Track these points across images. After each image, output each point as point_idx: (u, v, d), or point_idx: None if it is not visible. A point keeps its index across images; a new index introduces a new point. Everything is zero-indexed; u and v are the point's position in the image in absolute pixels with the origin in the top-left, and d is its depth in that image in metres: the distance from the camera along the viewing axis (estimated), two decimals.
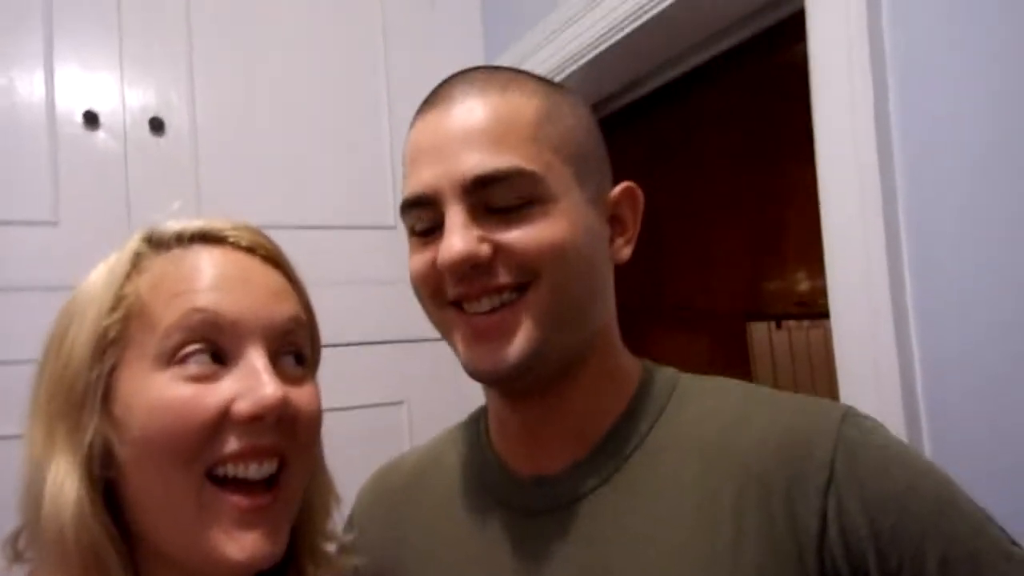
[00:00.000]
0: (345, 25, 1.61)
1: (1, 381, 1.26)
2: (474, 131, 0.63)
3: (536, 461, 0.69)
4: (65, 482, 0.54)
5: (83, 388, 0.55)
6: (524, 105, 0.64)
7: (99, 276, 0.59)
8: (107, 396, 0.56)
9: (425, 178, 0.64)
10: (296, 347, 0.61)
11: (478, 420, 0.78)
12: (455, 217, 0.62)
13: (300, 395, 0.59)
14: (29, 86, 1.36)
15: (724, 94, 3.22)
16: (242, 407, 0.55)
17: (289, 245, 0.66)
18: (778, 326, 3.43)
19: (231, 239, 0.61)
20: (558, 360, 0.65)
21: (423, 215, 0.65)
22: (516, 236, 0.62)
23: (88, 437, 0.55)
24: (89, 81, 1.40)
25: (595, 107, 1.60)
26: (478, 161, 0.61)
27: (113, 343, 0.56)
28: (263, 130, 1.52)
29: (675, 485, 0.63)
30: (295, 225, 1.43)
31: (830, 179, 1.02)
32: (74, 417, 0.55)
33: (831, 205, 1.01)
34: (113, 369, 0.56)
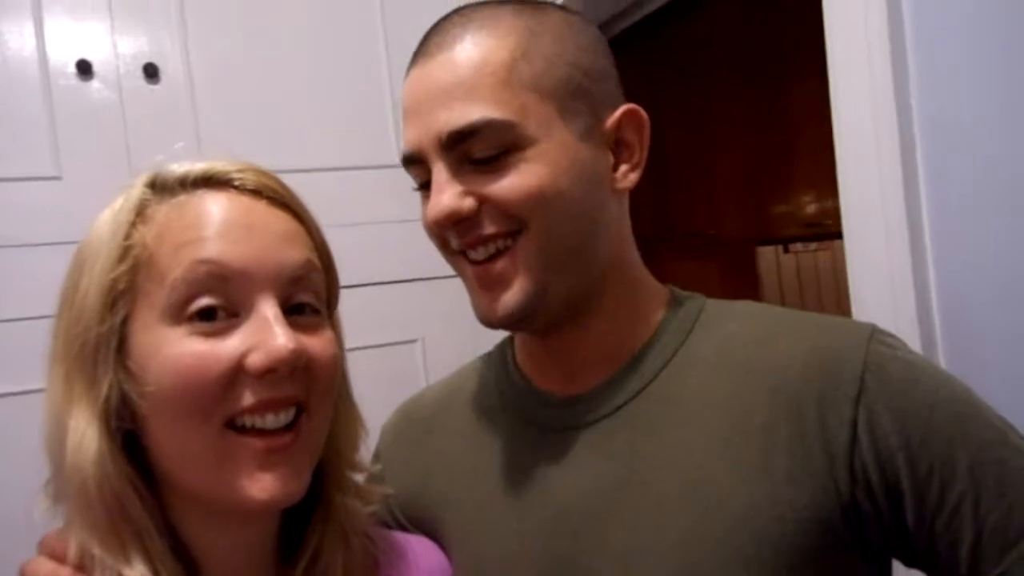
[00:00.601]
0: None
1: (13, 338, 1.31)
2: (445, 86, 0.64)
3: (566, 382, 0.71)
4: (85, 434, 0.54)
5: (95, 341, 0.55)
6: (496, 49, 0.64)
7: (105, 224, 0.58)
8: (121, 347, 0.56)
9: (410, 137, 0.66)
10: (309, 292, 0.60)
11: (504, 347, 0.80)
12: (438, 175, 0.64)
13: (315, 342, 0.59)
14: (19, 39, 1.33)
15: (731, 11, 3.14)
16: (254, 360, 0.55)
17: (292, 188, 0.64)
18: (785, 250, 3.42)
19: (236, 182, 0.60)
20: (566, 300, 0.66)
21: (417, 172, 0.68)
22: (497, 187, 0.63)
23: (104, 390, 0.55)
24: (79, 30, 1.37)
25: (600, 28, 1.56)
26: (448, 117, 0.63)
27: (122, 294, 0.56)
28: (259, 72, 1.49)
29: (705, 400, 0.65)
30: (297, 168, 1.38)
31: (843, 95, 0.99)
32: (89, 370, 0.56)
33: (844, 123, 0.99)
34: (125, 320, 0.56)
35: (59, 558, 0.56)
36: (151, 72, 1.40)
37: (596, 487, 0.66)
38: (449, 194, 0.63)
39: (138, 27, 1.40)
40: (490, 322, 0.67)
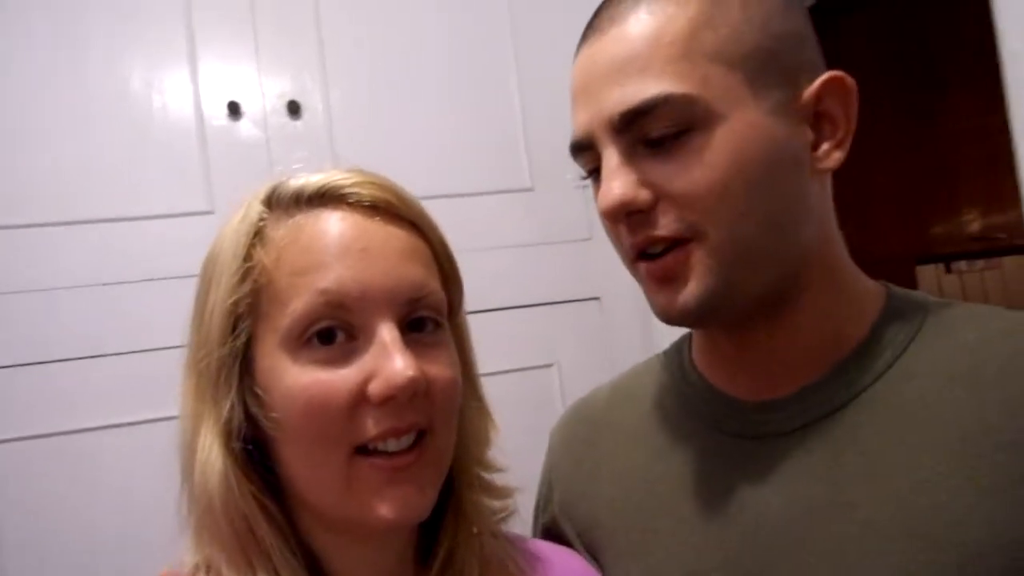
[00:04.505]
0: None
1: (169, 367, 1.36)
2: (618, 62, 0.58)
3: (759, 385, 0.64)
4: (211, 452, 0.55)
5: (219, 363, 0.56)
6: (674, 16, 0.57)
7: (227, 241, 0.58)
8: (247, 369, 0.56)
9: (580, 121, 0.60)
10: (429, 310, 0.58)
11: (680, 349, 0.73)
12: (609, 160, 0.58)
13: (434, 364, 0.57)
14: (177, 84, 1.42)
15: (876, 19, 2.98)
16: (375, 388, 0.54)
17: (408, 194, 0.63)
18: (947, 269, 3.16)
19: (352, 198, 0.58)
20: (758, 295, 0.60)
21: (587, 159, 0.62)
22: (676, 178, 0.56)
23: (225, 412, 0.55)
24: (230, 73, 1.45)
25: None
26: (621, 96, 0.57)
27: (243, 316, 0.56)
28: (394, 104, 1.52)
29: (932, 413, 0.56)
30: (432, 195, 1.40)
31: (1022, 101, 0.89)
32: (214, 390, 0.56)
33: None
34: (248, 342, 0.56)
35: None
36: (294, 109, 1.46)
37: (792, 505, 0.58)
38: (621, 181, 0.57)
39: (282, 68, 1.47)
40: (668, 318, 0.61)
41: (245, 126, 1.44)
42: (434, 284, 0.59)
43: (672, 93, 0.56)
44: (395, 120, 1.51)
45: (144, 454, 1.28)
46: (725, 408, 0.65)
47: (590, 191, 0.64)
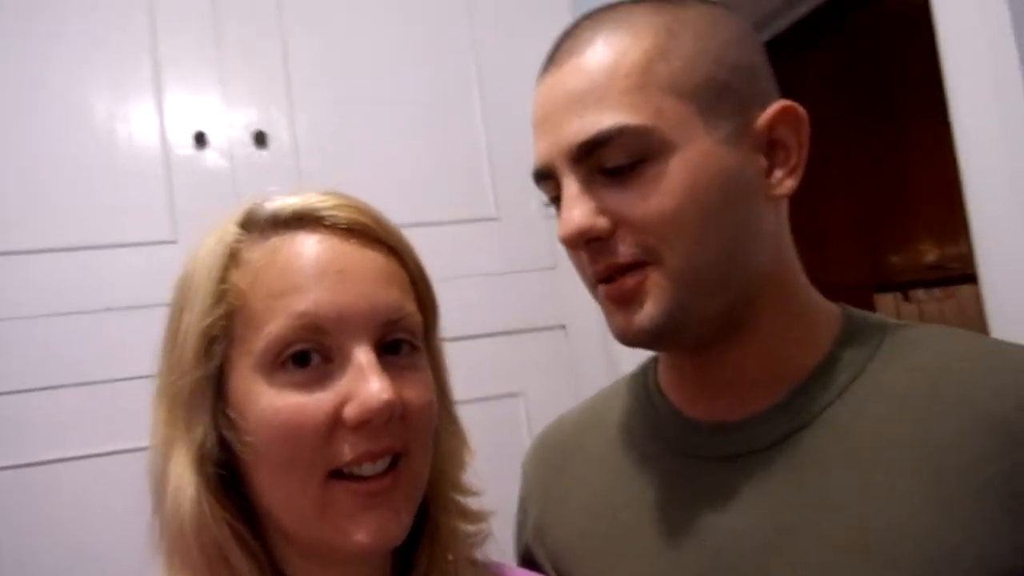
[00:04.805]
0: (434, 23, 1.60)
1: (129, 397, 1.35)
2: (576, 93, 0.59)
3: (717, 407, 0.64)
4: (183, 478, 0.54)
5: (192, 386, 0.55)
6: (629, 49, 0.59)
7: (201, 263, 0.58)
8: (220, 393, 0.56)
9: (540, 150, 0.62)
10: (406, 332, 0.58)
11: (646, 371, 0.74)
12: (568, 189, 0.60)
13: (410, 387, 0.57)
14: (141, 115, 1.42)
15: (830, 50, 3.06)
16: (350, 412, 0.54)
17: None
18: (906, 297, 3.23)
19: (328, 221, 0.58)
20: (714, 318, 0.61)
21: (548, 187, 0.64)
22: (632, 205, 0.58)
23: (199, 436, 0.55)
24: (195, 104, 1.45)
25: None
26: (579, 127, 0.58)
27: (217, 339, 0.56)
28: (360, 134, 1.53)
29: (890, 436, 0.57)
30: (398, 223, 1.42)
31: (969, 135, 0.92)
32: (187, 414, 0.56)
33: (972, 164, 0.92)
34: (222, 366, 0.56)
35: None
36: (260, 139, 1.46)
37: (754, 528, 0.58)
38: (581, 211, 0.59)
39: (249, 98, 1.48)
40: (625, 339, 0.62)
41: (211, 156, 1.44)
42: (410, 307, 0.59)
43: (627, 124, 0.57)
44: (361, 149, 1.52)
45: (105, 486, 1.26)
46: (687, 430, 0.66)
47: (554, 221, 0.66)
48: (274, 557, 0.58)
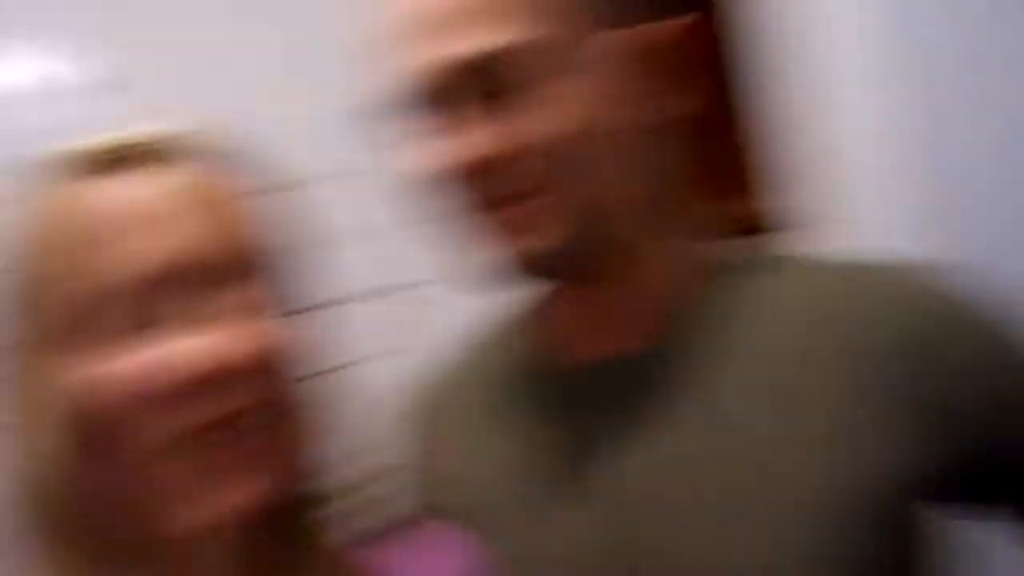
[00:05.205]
0: None
1: None
2: (463, 4, 0.54)
3: (597, 346, 0.63)
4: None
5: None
6: None
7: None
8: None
9: (414, 66, 0.56)
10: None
11: (520, 317, 0.70)
12: (456, 113, 0.55)
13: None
14: None
15: None
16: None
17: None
18: None
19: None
20: (608, 246, 0.59)
21: (421, 109, 0.57)
22: (531, 127, 0.54)
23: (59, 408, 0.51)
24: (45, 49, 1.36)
25: None
26: (467, 44, 0.54)
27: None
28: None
29: (772, 362, 0.57)
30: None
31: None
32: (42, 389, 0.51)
33: None
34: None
35: None
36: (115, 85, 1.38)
37: (654, 463, 0.57)
38: (474, 137, 0.54)
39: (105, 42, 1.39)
40: (526, 266, 0.58)
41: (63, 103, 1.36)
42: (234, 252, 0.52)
43: (522, 41, 0.54)
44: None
45: None
46: (564, 372, 0.64)
47: None
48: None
